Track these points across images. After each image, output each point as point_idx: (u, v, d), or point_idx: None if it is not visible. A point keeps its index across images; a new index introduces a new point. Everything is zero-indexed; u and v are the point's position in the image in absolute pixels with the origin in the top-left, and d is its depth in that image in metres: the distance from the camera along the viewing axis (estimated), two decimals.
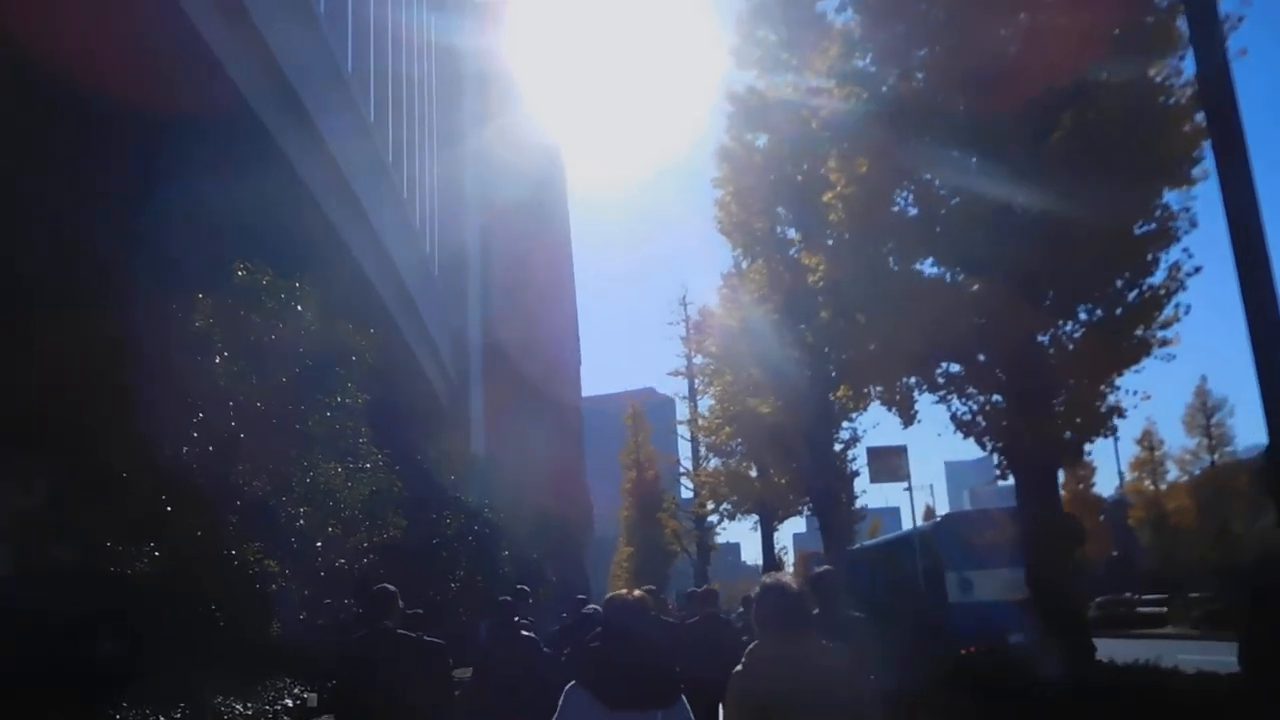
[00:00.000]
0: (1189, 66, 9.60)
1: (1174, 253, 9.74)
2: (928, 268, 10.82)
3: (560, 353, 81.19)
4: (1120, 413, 9.86)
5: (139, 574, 8.91)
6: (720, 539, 45.32)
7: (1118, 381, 9.87)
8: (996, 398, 10.42)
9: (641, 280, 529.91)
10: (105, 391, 9.99)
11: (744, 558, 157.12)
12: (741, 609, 13.14)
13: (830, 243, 12.14)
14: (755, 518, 28.14)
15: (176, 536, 9.17)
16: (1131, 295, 9.75)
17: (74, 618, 9.89)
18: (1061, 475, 11.09)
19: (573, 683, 4.03)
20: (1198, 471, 45.19)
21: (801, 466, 20.17)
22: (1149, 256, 9.73)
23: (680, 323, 41.35)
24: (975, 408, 10.53)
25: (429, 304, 32.19)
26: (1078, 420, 9.90)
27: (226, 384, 9.91)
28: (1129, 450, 49.62)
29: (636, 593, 4.36)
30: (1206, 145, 9.60)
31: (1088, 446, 10.15)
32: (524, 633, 8.80)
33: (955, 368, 10.77)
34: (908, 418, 11.25)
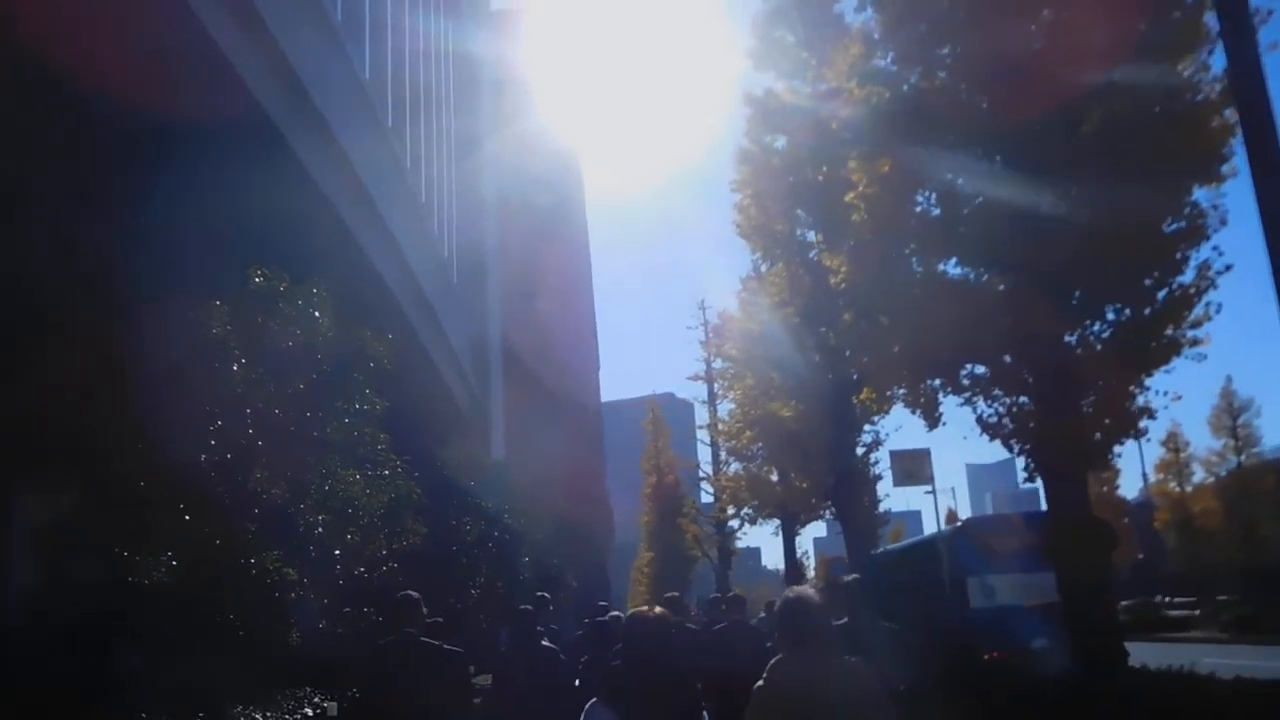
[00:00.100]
0: (1217, 61, 9.46)
1: (1204, 251, 9.59)
2: (951, 268, 10.68)
3: (579, 357, 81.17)
4: (1150, 413, 9.70)
5: (156, 584, 8.85)
6: (741, 544, 45.14)
7: (1147, 382, 9.72)
8: (1023, 399, 10.26)
9: (659, 285, 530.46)
10: (121, 401, 9.93)
11: (765, 562, 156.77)
12: (764, 614, 13.01)
13: (851, 244, 11.99)
14: (776, 522, 28.02)
15: (194, 545, 9.10)
16: (1161, 294, 9.59)
17: (94, 628, 9.87)
18: None
19: (594, 700, 4.01)
20: (1224, 473, 44.71)
21: (823, 470, 20.03)
22: (1178, 254, 9.57)
23: (699, 327, 41.32)
24: (1001, 410, 10.38)
25: (448, 309, 32.19)
26: (1107, 421, 9.74)
27: (244, 391, 9.84)
28: (1153, 452, 49.28)
29: (658, 610, 4.34)
30: (1235, 141, 9.47)
31: (1116, 448, 9.99)
32: (544, 642, 8.70)
33: (980, 369, 10.61)
34: (932, 420, 11.09)
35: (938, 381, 10.92)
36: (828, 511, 23.39)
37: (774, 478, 25.71)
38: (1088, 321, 9.93)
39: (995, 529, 18.47)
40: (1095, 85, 9.43)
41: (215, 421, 9.74)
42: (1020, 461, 10.52)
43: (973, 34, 9.99)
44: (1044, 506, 11.23)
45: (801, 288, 18.40)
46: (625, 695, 3.94)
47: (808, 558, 50.46)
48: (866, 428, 19.89)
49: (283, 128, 14.58)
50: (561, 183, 78.41)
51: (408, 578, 12.72)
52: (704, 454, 42.84)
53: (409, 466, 13.33)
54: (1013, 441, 10.30)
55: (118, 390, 10.05)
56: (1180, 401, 10.25)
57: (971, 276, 10.58)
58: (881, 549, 23.99)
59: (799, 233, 19.59)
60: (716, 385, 36.14)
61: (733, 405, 27.12)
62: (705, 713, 4.08)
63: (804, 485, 22.26)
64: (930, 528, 46.35)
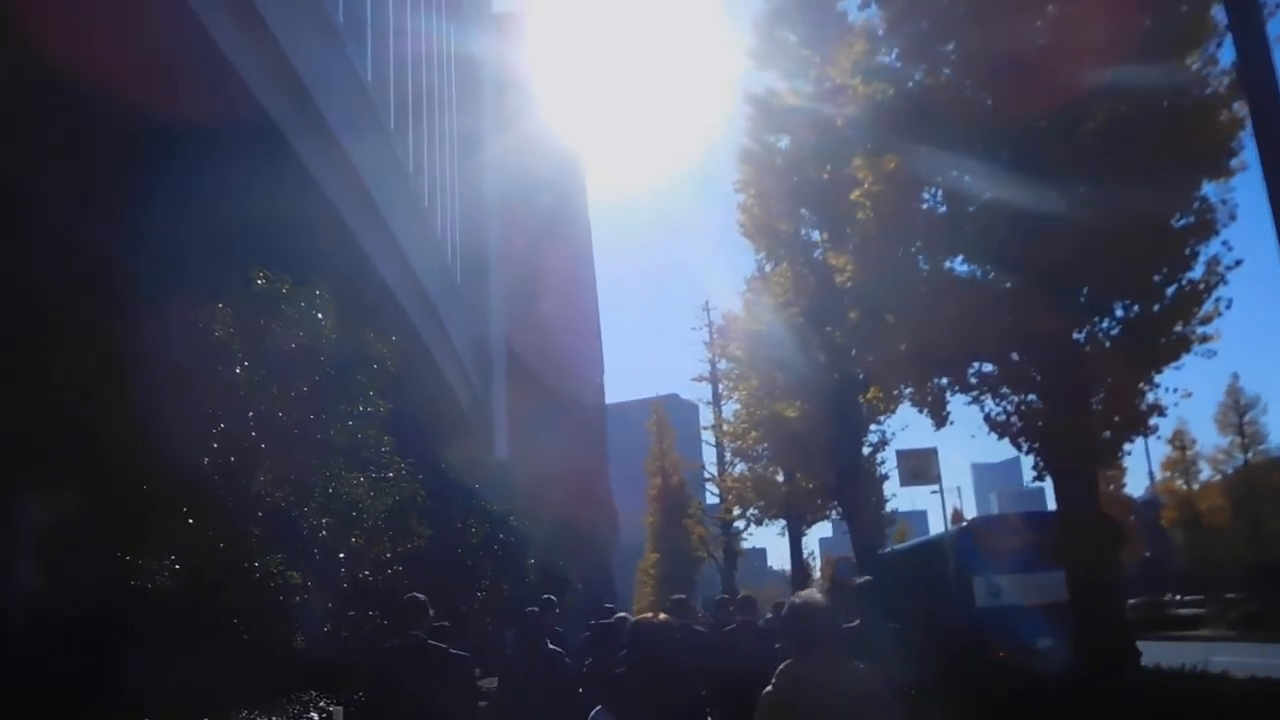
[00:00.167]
0: (1225, 55, 9.38)
1: (1213, 246, 9.50)
2: (958, 266, 10.60)
3: (583, 358, 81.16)
4: (1160, 411, 9.61)
5: (159, 587, 8.80)
6: (746, 544, 45.05)
7: (1157, 379, 9.63)
8: (1031, 397, 10.18)
9: (662, 287, 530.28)
10: (123, 403, 9.89)
11: (770, 563, 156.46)
12: (770, 615, 12.94)
13: (857, 242, 11.92)
14: (782, 523, 27.96)
15: (197, 548, 9.05)
16: (1170, 290, 9.50)
17: (95, 630, 9.83)
18: None
19: (599, 708, 4.01)
20: (1231, 470, 44.57)
21: (828, 470, 19.96)
22: (1187, 250, 9.48)
23: (704, 328, 41.28)
24: (1010, 408, 10.30)
25: (451, 311, 32.13)
26: (1116, 419, 9.66)
27: (247, 393, 9.78)
28: (1159, 450, 49.09)
29: (662, 616, 4.32)
30: (1245, 135, 9.38)
31: (1125, 446, 9.91)
32: (549, 645, 8.64)
33: (988, 367, 10.53)
34: (940, 419, 11.00)
35: (945, 380, 10.84)
36: (834, 511, 23.34)
37: (779, 478, 25.67)
38: (1096, 318, 9.85)
39: (1001, 528, 18.39)
40: (1101, 80, 9.34)
41: (218, 424, 9.69)
42: (1029, 460, 10.44)
43: (976, 30, 9.92)
44: (1050, 505, 11.16)
45: (806, 287, 18.34)
46: (629, 700, 3.93)
47: (814, 558, 50.33)
48: (872, 427, 19.86)
49: (285, 130, 14.52)
50: (564, 183, 78.42)
51: (412, 580, 12.65)
52: (709, 455, 42.81)
53: (413, 469, 13.26)
54: (1021, 440, 10.21)
55: (120, 392, 10.02)
56: (1187, 399, 10.15)
57: (978, 274, 10.50)
58: (888, 549, 23.90)
59: (803, 232, 19.52)
60: (721, 386, 36.12)
61: (738, 406, 27.10)
62: (710, 717, 4.02)
63: (810, 485, 22.21)
64: (936, 527, 46.26)
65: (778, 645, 5.24)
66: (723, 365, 34.93)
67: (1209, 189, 9.47)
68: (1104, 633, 9.22)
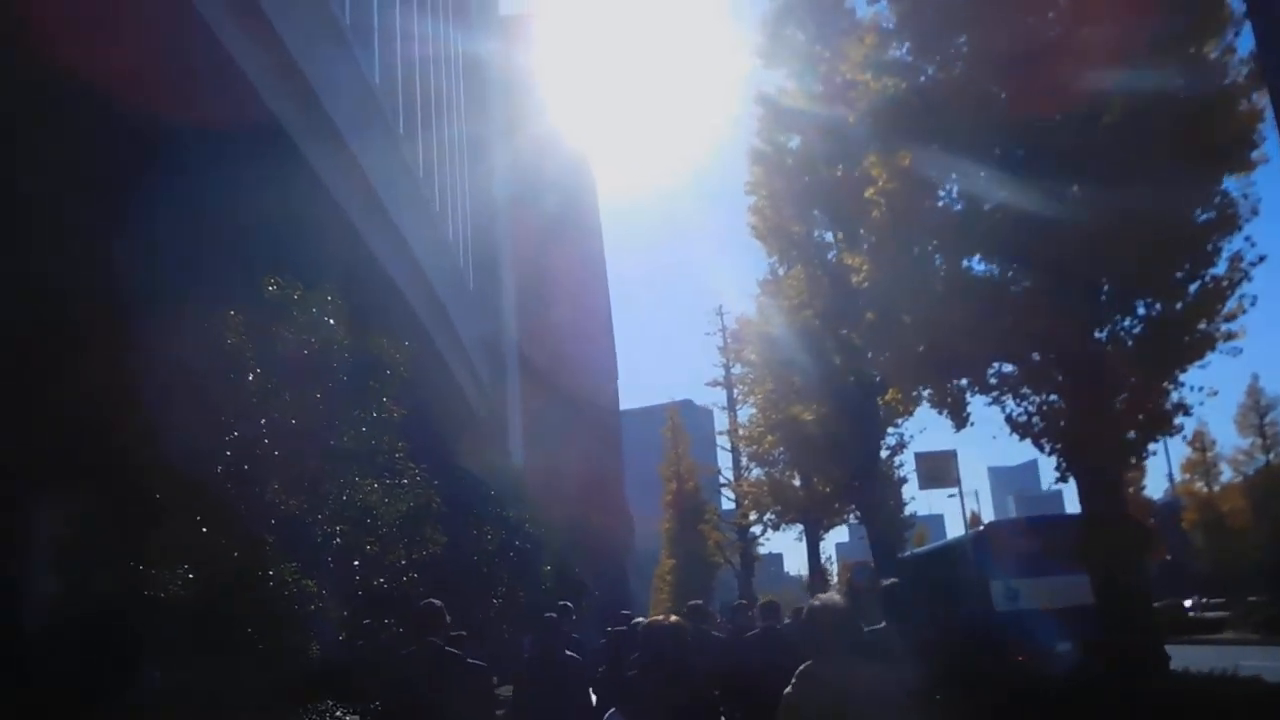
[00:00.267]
0: (1243, 44, 9.23)
1: (1236, 241, 9.35)
2: (975, 264, 10.46)
3: (596, 362, 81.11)
4: (1185, 410, 9.45)
5: (173, 596, 8.72)
6: (762, 550, 44.92)
7: (1181, 378, 9.47)
8: (1053, 397, 10.03)
9: (674, 293, 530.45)
10: (137, 413, 9.83)
11: (787, 568, 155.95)
12: (789, 620, 12.79)
13: (872, 242, 11.79)
14: (799, 527, 27.80)
15: (211, 558, 8.97)
16: (1193, 287, 9.35)
17: (111, 640, 9.76)
18: None
19: (613, 710, 4.01)
20: (1252, 472, 44.17)
21: (846, 473, 19.81)
22: (1209, 246, 9.33)
23: (717, 332, 41.19)
24: (1031, 408, 10.15)
25: (463, 316, 32.10)
26: (1140, 419, 9.50)
27: (259, 400, 9.71)
28: (1178, 452, 48.70)
29: (674, 618, 4.31)
30: (1265, 126, 9.23)
31: (1150, 445, 9.75)
32: (567, 651, 8.53)
33: (1008, 368, 10.39)
34: (960, 420, 10.86)
35: (964, 381, 10.70)
36: (852, 515, 23.18)
37: (796, 482, 25.52)
38: (1117, 317, 9.70)
39: (1019, 532, 18.24)
40: (1116, 72, 9.20)
41: (231, 431, 9.61)
42: (1050, 461, 10.29)
43: (988, 23, 9.80)
44: (1067, 509, 11.01)
45: (820, 289, 18.20)
46: (642, 704, 3.93)
47: (831, 563, 50.01)
48: (890, 430, 19.68)
49: (293, 134, 14.50)
50: (574, 186, 78.44)
51: (428, 588, 12.55)
52: (724, 460, 42.70)
53: (427, 475, 13.17)
54: (1043, 441, 10.06)
55: (132, 399, 9.96)
56: (1213, 397, 9.97)
57: (995, 273, 10.36)
58: (907, 553, 23.73)
59: (816, 233, 19.39)
60: (736, 390, 35.99)
61: (753, 410, 26.96)
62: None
63: (827, 489, 22.05)
64: (953, 531, 45.97)
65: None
66: (737, 370, 34.86)
67: (1229, 183, 9.32)
68: (1132, 636, 9.06)
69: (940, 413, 10.99)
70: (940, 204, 10.59)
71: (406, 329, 18.87)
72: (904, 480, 23.82)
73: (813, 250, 19.13)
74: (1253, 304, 9.32)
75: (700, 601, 12.35)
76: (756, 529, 35.43)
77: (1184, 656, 10.82)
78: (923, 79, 10.42)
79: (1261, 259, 9.32)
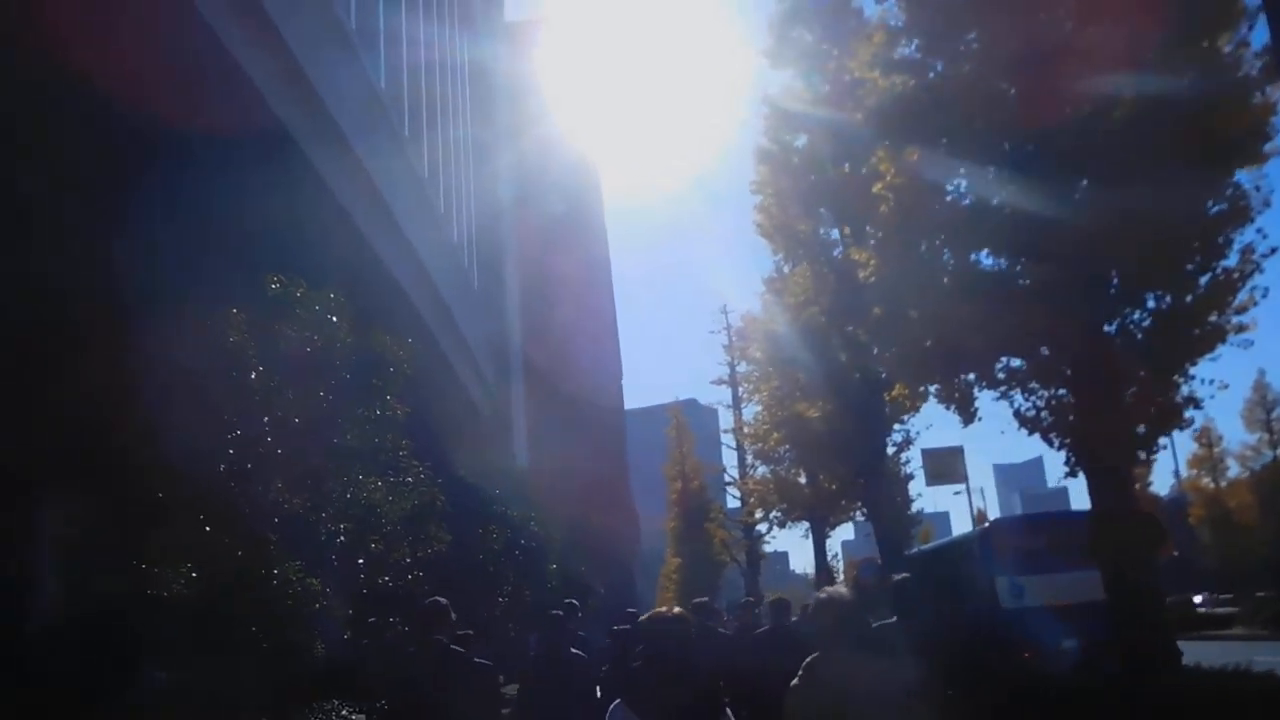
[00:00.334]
0: (1257, 37, 9.13)
1: (1247, 234, 9.25)
2: (983, 259, 10.38)
3: (601, 364, 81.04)
4: (1196, 403, 9.36)
5: (176, 595, 8.67)
6: (768, 548, 44.81)
7: (1192, 371, 9.38)
8: (1062, 392, 9.94)
9: (678, 293, 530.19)
10: (139, 412, 9.79)
11: (793, 566, 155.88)
12: (796, 618, 12.73)
13: (879, 238, 11.72)
14: (805, 525, 27.76)
15: (215, 557, 8.92)
16: (1203, 280, 9.26)
17: (116, 640, 9.72)
18: None
19: (617, 702, 3.99)
20: (1259, 467, 44.04)
21: (852, 470, 19.76)
22: (1220, 238, 9.24)
23: (722, 330, 41.08)
24: (1040, 403, 10.06)
25: (468, 317, 32.07)
26: (1150, 412, 9.41)
27: (262, 399, 9.66)
28: (1185, 448, 48.61)
29: (676, 610, 4.30)
30: (1276, 120, 9.14)
31: (1161, 439, 9.66)
32: (572, 649, 8.48)
33: (1016, 362, 10.31)
34: (968, 416, 10.78)
35: (972, 376, 10.62)
36: (858, 513, 23.12)
37: (802, 480, 25.47)
38: (1127, 310, 9.61)
39: (1024, 529, 18.21)
40: (1127, 66, 9.11)
41: (234, 429, 9.56)
42: (1059, 456, 10.21)
43: (997, 18, 9.71)
44: (1073, 505, 10.93)
45: (826, 286, 18.16)
46: (646, 695, 3.92)
47: (837, 560, 49.92)
48: (896, 426, 19.63)
49: (300, 139, 14.49)
50: (579, 188, 78.44)
51: (433, 586, 12.51)
52: (729, 458, 42.60)
53: (431, 473, 13.12)
54: (1052, 435, 9.98)
55: (135, 399, 9.92)
56: (1224, 390, 9.89)
57: (1004, 267, 10.28)
58: (914, 550, 23.68)
59: (822, 231, 19.37)
60: (741, 389, 35.93)
61: (759, 408, 26.91)
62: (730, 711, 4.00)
63: (833, 487, 22.00)
64: (959, 529, 45.84)
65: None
66: (742, 368, 34.80)
67: (1241, 175, 9.23)
68: (1143, 632, 8.97)
69: (948, 408, 10.92)
70: (948, 199, 10.50)
71: (412, 330, 18.83)
72: (910, 477, 23.80)
73: (818, 248, 19.10)
74: (1264, 296, 9.25)
75: (706, 599, 12.27)
76: (762, 527, 35.38)
77: (1194, 652, 10.74)
78: (931, 76, 10.34)
79: (1273, 251, 9.24)
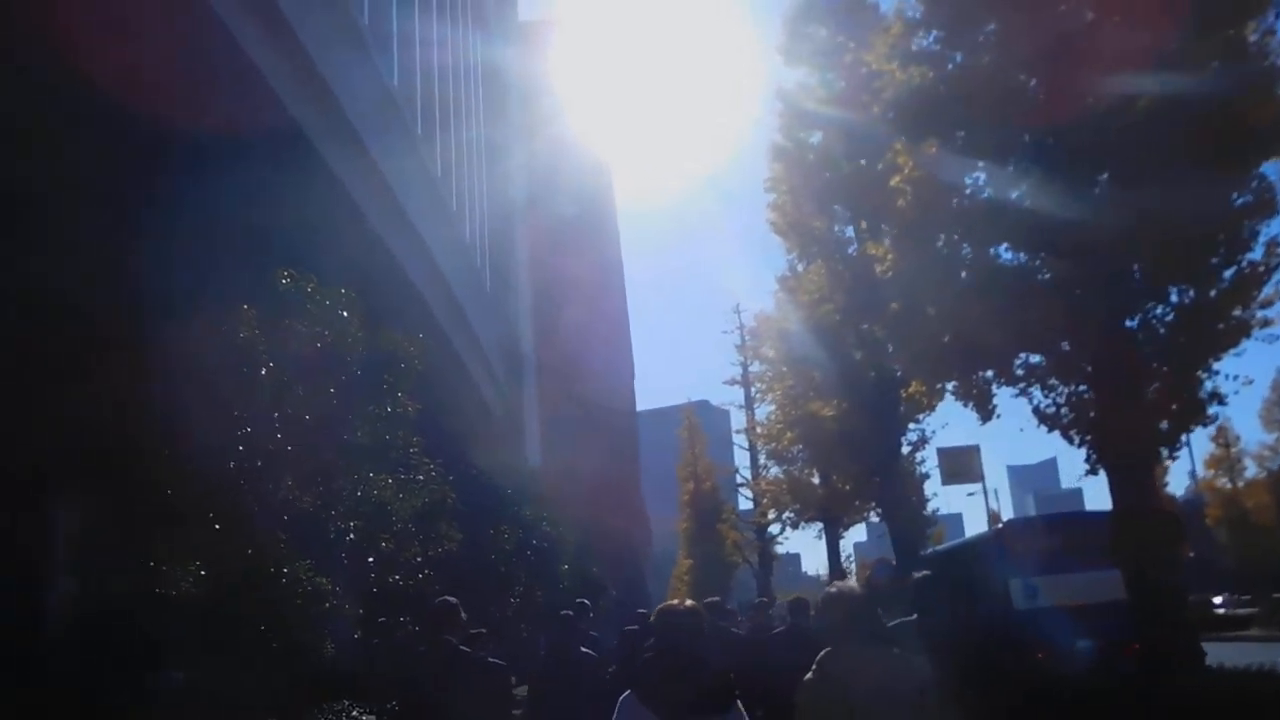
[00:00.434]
0: None
1: (1273, 226, 9.09)
2: (1002, 253, 10.22)
3: (613, 365, 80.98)
4: (1220, 399, 9.19)
5: (184, 594, 8.58)
6: (780, 549, 44.67)
7: (1215, 366, 9.21)
8: (1082, 388, 9.78)
9: (690, 295, 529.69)
10: (149, 411, 9.72)
11: (805, 568, 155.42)
12: (814, 615, 12.59)
13: (896, 233, 11.57)
14: (816, 526, 27.61)
15: (224, 556, 8.82)
16: (1228, 273, 9.09)
17: (127, 640, 9.65)
18: None
19: (628, 693, 4.01)
20: (1277, 467, 43.62)
21: (867, 470, 19.61)
22: (1245, 231, 9.07)
23: (735, 330, 40.92)
24: (1060, 400, 9.90)
25: (480, 316, 32.02)
26: (1173, 409, 9.24)
27: (272, 395, 9.56)
28: (1201, 448, 48.21)
29: (689, 603, 4.33)
30: None
31: (1183, 436, 9.49)
32: (582, 649, 8.37)
33: (1036, 358, 10.15)
34: (986, 413, 10.63)
35: (990, 373, 10.46)
36: (872, 513, 22.96)
37: (815, 480, 25.32)
38: (1149, 304, 9.45)
39: (1037, 530, 18.06)
40: (1151, 57, 8.94)
41: (244, 427, 9.46)
42: (1070, 459, 10.14)
43: (1016, 10, 9.56)
44: (1087, 506, 10.78)
45: (841, 284, 18.02)
46: (657, 685, 3.94)
47: (850, 562, 49.75)
48: (911, 425, 19.47)
49: (314, 138, 14.45)
50: (592, 189, 78.40)
51: (444, 586, 12.42)
52: (741, 459, 42.44)
53: (443, 471, 13.01)
54: (1072, 432, 9.82)
55: (144, 397, 9.85)
56: (1234, 394, 9.72)
57: (1023, 261, 10.12)
58: (929, 550, 23.53)
59: (836, 228, 19.23)
60: (754, 388, 35.76)
61: (772, 407, 26.78)
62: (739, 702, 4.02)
63: (846, 487, 21.86)
64: (972, 530, 45.58)
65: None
66: (755, 368, 34.63)
67: (1268, 167, 9.06)
68: (1167, 631, 8.80)
69: (966, 405, 10.77)
70: (967, 193, 10.35)
71: (425, 329, 18.77)
72: (925, 476, 23.61)
73: (833, 245, 18.97)
74: None
75: (717, 599, 12.13)
76: (775, 528, 35.21)
77: (1213, 653, 10.59)
78: (950, 68, 10.20)
79: None
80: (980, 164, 10.05)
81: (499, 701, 6.46)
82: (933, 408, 17.23)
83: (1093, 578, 12.49)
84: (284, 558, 9.03)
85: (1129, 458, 9.39)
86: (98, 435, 10.57)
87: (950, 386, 11.18)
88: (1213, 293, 9.20)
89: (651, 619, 8.53)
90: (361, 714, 10.85)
